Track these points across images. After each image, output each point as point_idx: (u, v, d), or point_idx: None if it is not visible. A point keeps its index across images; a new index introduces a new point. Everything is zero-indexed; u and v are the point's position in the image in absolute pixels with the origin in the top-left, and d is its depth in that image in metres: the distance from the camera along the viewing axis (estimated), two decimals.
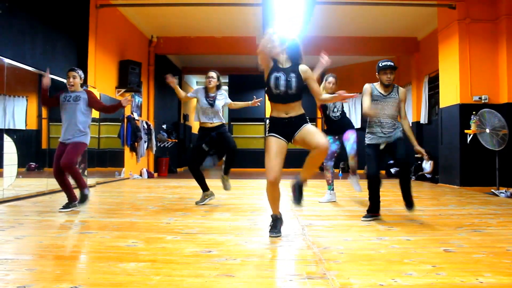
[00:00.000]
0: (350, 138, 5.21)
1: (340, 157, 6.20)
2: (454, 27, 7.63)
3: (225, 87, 14.35)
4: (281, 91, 3.21)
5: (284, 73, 3.24)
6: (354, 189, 5.46)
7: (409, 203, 4.07)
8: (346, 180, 9.42)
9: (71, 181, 4.62)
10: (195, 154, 5.10)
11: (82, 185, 4.57)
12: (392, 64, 4.04)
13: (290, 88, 3.21)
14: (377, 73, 4.11)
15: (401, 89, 4.15)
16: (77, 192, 4.63)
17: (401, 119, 4.13)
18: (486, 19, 7.52)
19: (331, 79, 5.28)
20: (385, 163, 10.44)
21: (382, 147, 4.06)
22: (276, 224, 3.36)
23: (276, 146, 3.19)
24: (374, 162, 4.04)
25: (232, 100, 5.39)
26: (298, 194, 3.31)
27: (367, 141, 4.14)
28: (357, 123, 12.96)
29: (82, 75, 4.75)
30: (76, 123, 4.54)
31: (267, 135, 3.31)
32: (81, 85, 4.75)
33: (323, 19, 9.25)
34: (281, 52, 3.31)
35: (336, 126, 5.31)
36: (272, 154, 3.16)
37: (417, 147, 4.15)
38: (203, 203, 5.10)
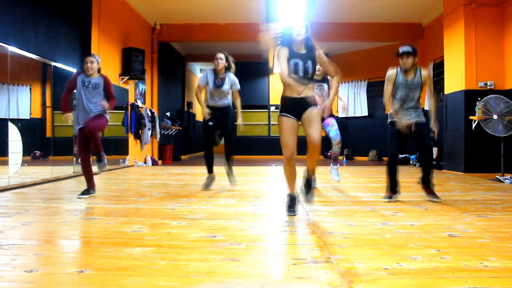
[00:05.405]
0: (333, 124, 5.20)
1: (343, 144, 6.17)
2: (460, 12, 7.52)
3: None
4: (299, 76, 3.36)
5: (302, 59, 3.37)
6: (333, 179, 5.51)
7: (428, 188, 4.31)
8: (350, 167, 9.44)
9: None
10: (205, 130, 5.13)
11: (99, 149, 4.51)
12: (406, 49, 4.12)
13: (308, 73, 3.37)
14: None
15: (423, 72, 4.23)
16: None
17: (428, 98, 4.17)
18: (492, 4, 7.40)
19: None
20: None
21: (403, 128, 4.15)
22: (292, 203, 3.52)
23: (288, 124, 3.38)
24: (395, 142, 4.23)
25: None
26: (307, 191, 3.52)
27: (390, 120, 4.25)
28: (362, 111, 12.92)
29: (99, 60, 4.65)
30: (96, 106, 4.50)
31: (278, 115, 3.47)
32: (98, 70, 4.63)
33: (326, 5, 9.14)
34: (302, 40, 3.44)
35: None
36: (285, 131, 3.37)
37: (433, 123, 4.24)
38: (207, 188, 5.15)
